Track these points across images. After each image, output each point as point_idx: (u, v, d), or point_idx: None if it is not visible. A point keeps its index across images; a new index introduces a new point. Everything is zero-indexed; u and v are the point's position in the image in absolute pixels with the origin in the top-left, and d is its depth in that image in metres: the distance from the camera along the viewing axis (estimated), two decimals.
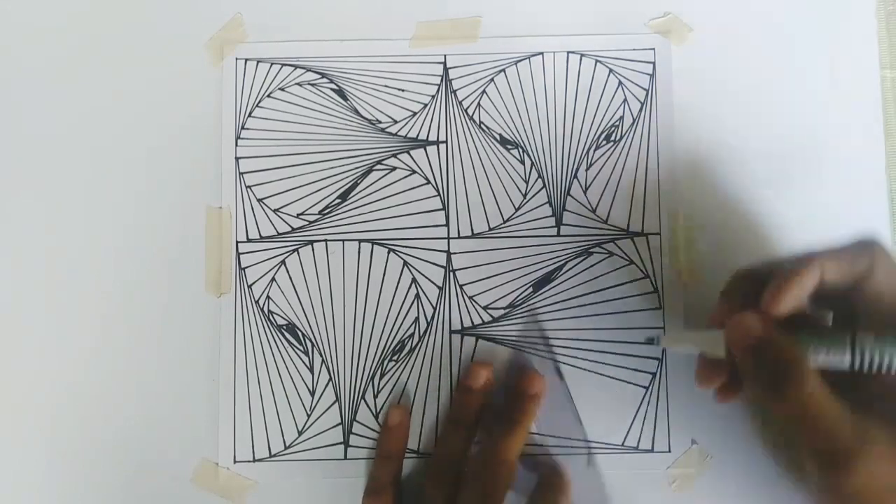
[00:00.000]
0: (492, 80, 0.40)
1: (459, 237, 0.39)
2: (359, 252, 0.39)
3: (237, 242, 0.39)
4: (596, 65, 0.40)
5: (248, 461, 0.38)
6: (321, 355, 0.39)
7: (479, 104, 0.40)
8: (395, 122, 0.40)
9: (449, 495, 0.35)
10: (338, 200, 0.39)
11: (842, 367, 0.28)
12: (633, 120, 0.40)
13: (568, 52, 0.40)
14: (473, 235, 0.39)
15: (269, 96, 0.40)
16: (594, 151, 0.40)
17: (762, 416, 0.34)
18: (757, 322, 0.29)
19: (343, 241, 0.39)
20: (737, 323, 0.30)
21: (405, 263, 0.39)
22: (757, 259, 0.33)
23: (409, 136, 0.40)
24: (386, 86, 0.40)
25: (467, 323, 0.39)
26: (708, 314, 0.33)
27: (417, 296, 0.39)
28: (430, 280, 0.39)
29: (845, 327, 0.29)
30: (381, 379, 0.39)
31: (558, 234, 0.39)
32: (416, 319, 0.39)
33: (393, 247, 0.39)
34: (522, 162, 0.40)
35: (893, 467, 0.26)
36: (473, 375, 0.37)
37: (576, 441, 0.38)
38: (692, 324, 0.38)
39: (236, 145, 0.40)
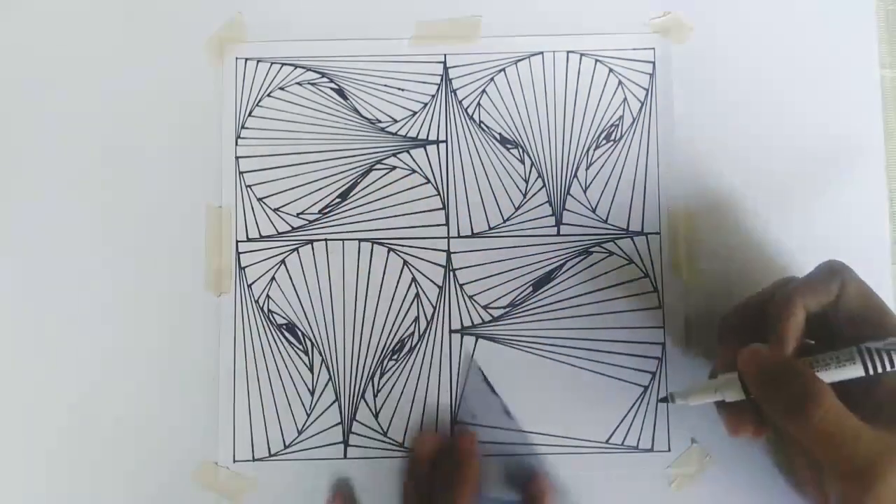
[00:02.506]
0: (492, 79, 0.40)
1: (459, 237, 0.39)
2: (359, 251, 0.39)
3: (237, 242, 0.39)
4: (596, 64, 0.40)
5: (248, 460, 0.38)
6: (321, 355, 0.39)
7: (479, 104, 0.40)
8: (395, 121, 0.40)
9: None
10: (338, 200, 0.39)
11: (856, 374, 0.30)
12: (633, 119, 0.40)
13: (568, 52, 0.40)
14: (473, 235, 0.39)
15: (269, 96, 0.40)
16: (594, 151, 0.40)
17: (784, 441, 0.34)
18: (767, 351, 0.31)
19: (343, 240, 0.39)
20: (749, 354, 0.31)
21: (405, 263, 0.39)
22: (736, 301, 0.35)
23: (409, 135, 0.40)
24: (386, 85, 0.40)
25: (467, 322, 0.39)
26: (713, 365, 0.35)
27: (417, 295, 0.39)
28: (429, 279, 0.39)
29: (845, 343, 0.31)
30: (380, 378, 0.39)
31: (558, 234, 0.39)
32: (416, 319, 0.39)
33: (393, 246, 0.39)
34: (522, 161, 0.40)
35: None
36: (420, 443, 0.37)
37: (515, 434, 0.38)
38: (693, 336, 0.38)
39: (236, 145, 0.40)
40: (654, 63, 0.40)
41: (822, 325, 0.32)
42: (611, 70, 0.40)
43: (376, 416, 0.38)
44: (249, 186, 0.40)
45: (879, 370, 0.29)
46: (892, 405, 0.30)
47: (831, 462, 0.28)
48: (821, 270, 0.32)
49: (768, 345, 0.31)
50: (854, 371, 0.30)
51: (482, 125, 0.40)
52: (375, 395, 0.39)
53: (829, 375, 0.30)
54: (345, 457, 0.38)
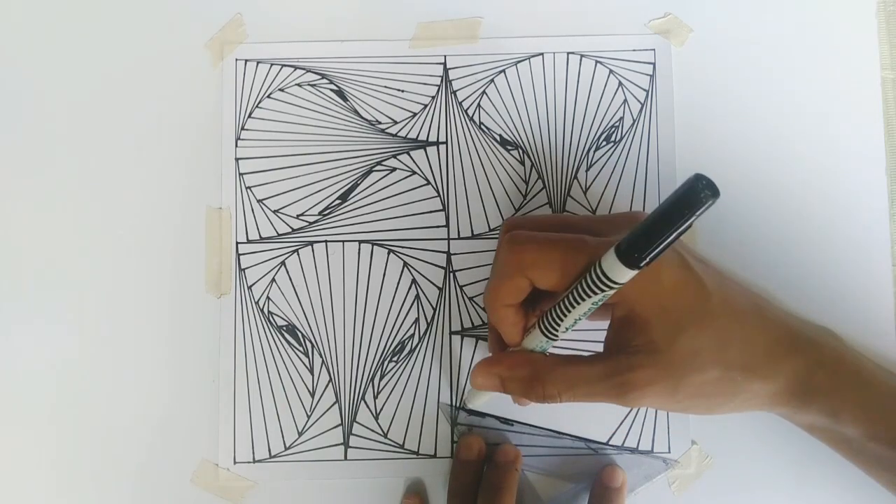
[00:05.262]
0: (492, 80, 0.40)
1: (459, 238, 0.39)
2: (359, 253, 0.39)
3: (237, 243, 0.39)
4: (596, 65, 0.40)
5: (248, 462, 0.38)
6: (321, 356, 0.39)
7: (479, 105, 0.40)
8: (395, 122, 0.40)
9: None
10: (338, 201, 0.39)
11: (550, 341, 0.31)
12: (634, 120, 0.40)
13: (568, 53, 0.40)
14: (473, 236, 0.39)
15: (268, 97, 0.40)
16: (594, 152, 0.40)
17: None
18: (483, 369, 0.32)
19: (343, 241, 0.39)
20: (475, 377, 0.33)
21: (405, 264, 0.39)
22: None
23: (409, 136, 0.40)
24: (386, 86, 0.40)
25: (467, 324, 0.39)
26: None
27: (417, 297, 0.39)
28: (430, 281, 0.39)
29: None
30: (381, 380, 0.39)
31: None
32: (416, 320, 0.39)
33: (393, 248, 0.39)
34: (522, 162, 0.40)
35: (656, 385, 0.30)
36: (466, 447, 0.37)
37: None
38: None
39: (236, 146, 0.40)
40: (654, 64, 0.40)
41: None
42: (611, 71, 0.40)
43: (377, 417, 0.38)
44: (249, 188, 0.39)
45: (557, 332, 0.31)
46: (608, 344, 0.32)
47: (596, 402, 0.31)
48: (500, 264, 0.31)
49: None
50: (579, 309, 0.30)
51: (482, 126, 0.40)
52: (376, 397, 0.39)
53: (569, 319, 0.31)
54: (345, 458, 0.38)
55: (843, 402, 0.31)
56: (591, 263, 0.28)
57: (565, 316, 0.30)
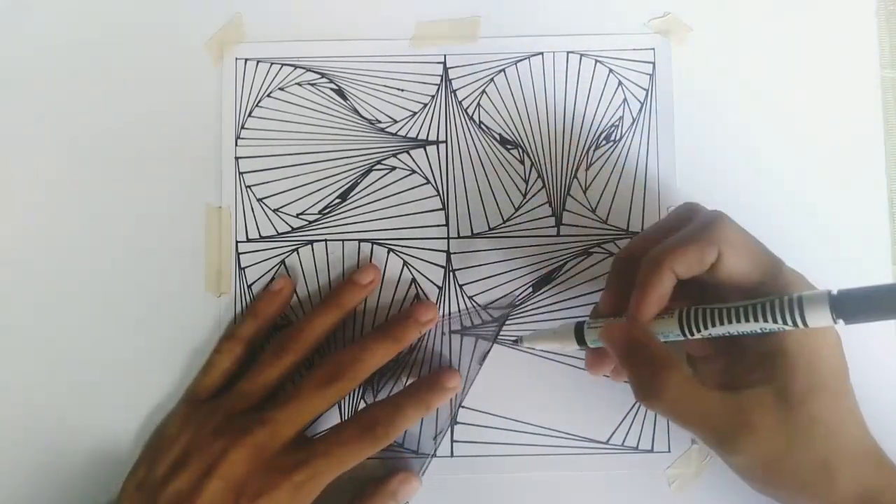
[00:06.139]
0: (492, 79, 0.40)
1: (459, 237, 0.39)
2: (358, 252, 0.39)
3: (237, 242, 0.39)
4: (596, 65, 0.40)
5: None
6: (321, 356, 0.39)
7: (478, 104, 0.40)
8: (395, 121, 0.40)
9: (292, 364, 0.36)
10: (337, 200, 0.39)
11: (679, 339, 0.30)
12: (633, 120, 0.40)
13: (568, 52, 0.40)
14: (473, 235, 0.39)
15: (268, 96, 0.40)
16: (594, 151, 0.40)
17: None
18: (623, 326, 0.30)
19: (343, 240, 0.39)
20: (606, 330, 0.31)
21: (405, 263, 0.39)
22: (630, 241, 0.34)
23: (408, 135, 0.40)
24: (386, 86, 0.40)
25: (467, 323, 0.39)
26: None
27: (417, 296, 0.39)
28: (429, 280, 0.39)
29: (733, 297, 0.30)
30: (380, 379, 0.39)
31: (558, 234, 0.39)
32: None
33: (393, 247, 0.39)
34: (522, 162, 0.40)
35: (771, 440, 0.28)
36: (363, 273, 0.38)
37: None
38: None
39: (236, 145, 0.40)
40: (653, 63, 0.40)
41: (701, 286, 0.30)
42: (611, 70, 0.40)
43: None
44: (249, 187, 0.39)
45: (696, 334, 0.29)
46: (738, 367, 0.30)
47: (692, 432, 0.29)
48: (696, 230, 0.30)
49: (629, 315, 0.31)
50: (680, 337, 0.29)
51: (482, 125, 0.40)
52: (375, 396, 0.39)
53: (671, 338, 0.30)
54: None
55: None
56: (777, 287, 0.28)
57: (721, 324, 0.28)
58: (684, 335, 0.30)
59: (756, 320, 0.28)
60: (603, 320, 0.32)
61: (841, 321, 0.26)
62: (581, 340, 0.33)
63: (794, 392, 0.28)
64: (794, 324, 0.27)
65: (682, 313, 0.30)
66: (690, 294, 0.31)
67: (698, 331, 0.29)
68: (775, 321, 0.27)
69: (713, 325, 0.29)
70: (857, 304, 0.26)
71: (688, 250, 0.29)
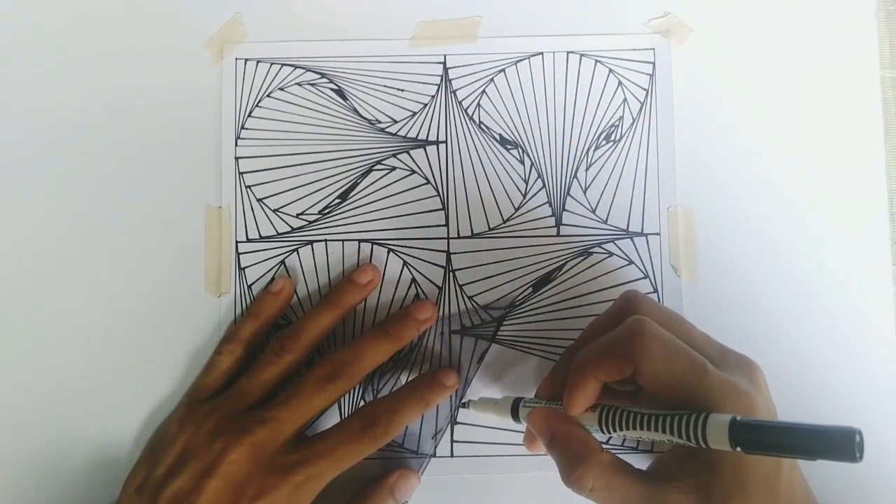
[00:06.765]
0: (491, 79, 0.40)
1: (459, 237, 0.39)
2: (358, 252, 0.39)
3: (237, 242, 0.39)
4: (596, 65, 0.40)
5: None
6: (321, 355, 0.39)
7: (478, 104, 0.40)
8: (395, 122, 0.40)
9: (292, 363, 0.36)
10: (337, 200, 0.39)
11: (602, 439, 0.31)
12: (633, 120, 0.40)
13: (568, 52, 0.40)
14: (473, 235, 0.39)
15: (268, 96, 0.40)
16: (594, 151, 0.40)
17: None
18: (552, 413, 0.32)
19: (343, 241, 0.39)
20: (530, 417, 0.33)
21: (405, 263, 0.39)
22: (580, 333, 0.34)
23: (408, 136, 0.40)
24: (386, 86, 0.40)
25: (467, 323, 0.39)
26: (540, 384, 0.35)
27: (417, 296, 0.39)
28: (429, 280, 0.39)
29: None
30: (380, 380, 0.39)
31: (558, 234, 0.39)
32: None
33: (393, 247, 0.39)
34: (522, 162, 0.40)
35: None
36: (362, 272, 0.38)
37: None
38: None
39: (236, 145, 0.40)
40: (653, 64, 0.40)
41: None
42: (611, 70, 0.40)
43: None
44: (249, 187, 0.39)
45: (613, 433, 0.30)
46: (670, 453, 0.30)
47: None
48: (614, 341, 0.30)
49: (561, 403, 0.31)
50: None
51: (482, 125, 0.40)
52: (375, 395, 0.39)
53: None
54: None
55: None
56: (698, 397, 0.27)
57: (635, 428, 0.29)
58: (602, 432, 0.30)
59: (664, 432, 0.28)
60: (542, 402, 0.33)
61: (738, 448, 0.26)
62: (516, 416, 0.34)
63: (716, 491, 0.27)
64: (697, 443, 0.27)
65: (602, 411, 0.30)
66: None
67: (615, 430, 0.30)
68: (681, 437, 0.27)
69: (628, 427, 0.29)
70: (755, 437, 0.25)
71: (605, 362, 0.30)
